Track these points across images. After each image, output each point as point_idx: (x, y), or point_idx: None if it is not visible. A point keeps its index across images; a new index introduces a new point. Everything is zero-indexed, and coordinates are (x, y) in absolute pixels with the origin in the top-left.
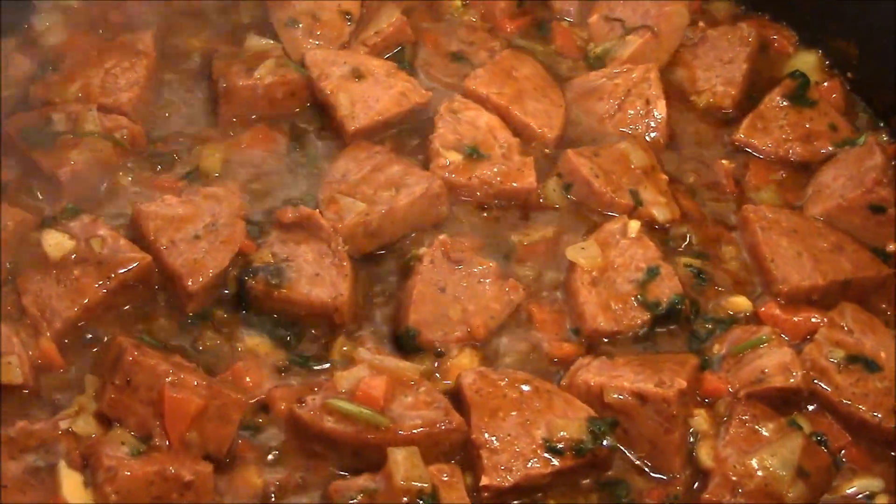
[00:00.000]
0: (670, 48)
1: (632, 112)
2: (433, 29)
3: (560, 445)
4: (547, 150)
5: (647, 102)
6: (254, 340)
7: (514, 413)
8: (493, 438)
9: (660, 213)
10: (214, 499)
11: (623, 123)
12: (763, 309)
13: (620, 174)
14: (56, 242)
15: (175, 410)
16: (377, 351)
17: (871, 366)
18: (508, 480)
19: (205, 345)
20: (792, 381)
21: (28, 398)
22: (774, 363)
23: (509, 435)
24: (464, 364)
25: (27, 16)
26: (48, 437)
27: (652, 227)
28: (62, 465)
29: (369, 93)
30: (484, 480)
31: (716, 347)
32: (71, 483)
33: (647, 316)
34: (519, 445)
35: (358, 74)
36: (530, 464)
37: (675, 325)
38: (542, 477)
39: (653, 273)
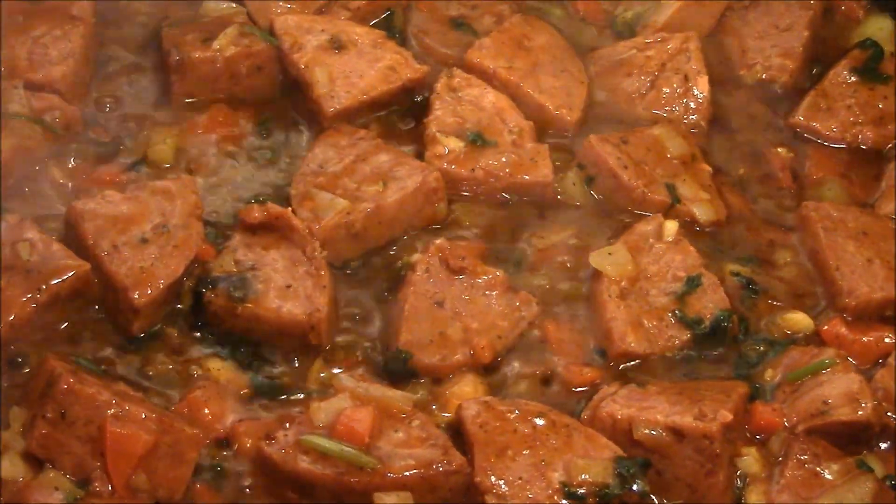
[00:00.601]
0: (715, 12)
1: (667, 90)
2: None
3: (581, 491)
4: (566, 136)
5: (686, 79)
6: (214, 364)
7: (525, 452)
8: (501, 482)
9: (702, 212)
10: None
11: (657, 104)
12: (826, 327)
13: (654, 165)
14: None
15: (119, 449)
16: (362, 377)
17: None
18: None
19: (155, 370)
20: (861, 413)
21: None
22: (839, 392)
23: (520, 478)
24: (466, 393)
25: None
26: None
27: (692, 229)
28: None
29: (352, 67)
30: None
31: (769, 373)
32: None
33: (686, 335)
34: (532, 491)
35: (338, 45)
36: None
37: (721, 346)
38: None
39: (693, 283)
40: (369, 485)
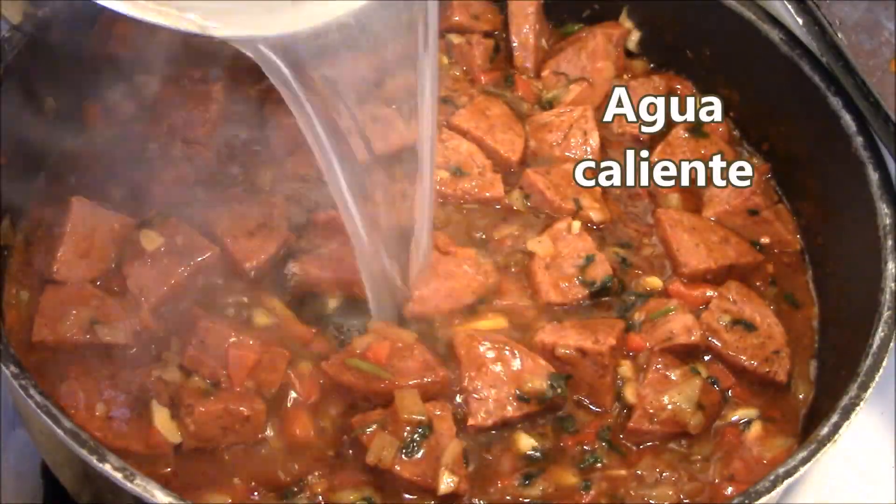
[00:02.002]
0: (602, 93)
1: (573, 140)
2: None
3: (527, 395)
4: (512, 169)
5: (585, 133)
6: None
7: (494, 367)
8: (479, 384)
9: (595, 216)
10: (266, 427)
11: (567, 149)
12: (671, 286)
13: (566, 186)
14: (150, 239)
15: (237, 364)
16: (385, 323)
17: (749, 327)
18: (489, 423)
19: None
20: (693, 338)
21: (130, 355)
22: (680, 326)
23: (491, 385)
24: (456, 326)
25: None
26: (145, 382)
27: (590, 226)
28: (154, 402)
29: None
30: (470, 421)
31: (637, 315)
32: (161, 416)
33: (585, 291)
34: (498, 394)
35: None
36: (507, 409)
37: (607, 298)
38: (514, 419)
39: (590, 259)
40: (387, 388)
